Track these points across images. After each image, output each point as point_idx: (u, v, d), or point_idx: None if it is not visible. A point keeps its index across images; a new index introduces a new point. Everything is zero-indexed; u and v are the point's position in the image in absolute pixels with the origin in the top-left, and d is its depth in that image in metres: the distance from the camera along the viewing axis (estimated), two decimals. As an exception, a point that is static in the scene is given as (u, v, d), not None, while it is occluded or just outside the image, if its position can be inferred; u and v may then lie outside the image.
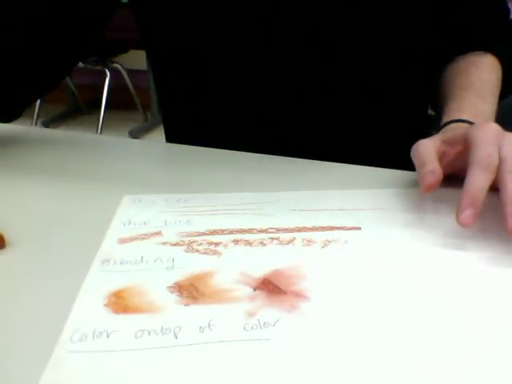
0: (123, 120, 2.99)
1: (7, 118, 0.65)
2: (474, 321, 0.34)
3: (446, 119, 0.58)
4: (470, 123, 0.55)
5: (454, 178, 0.48)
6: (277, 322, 0.33)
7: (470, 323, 0.33)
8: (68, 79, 3.33)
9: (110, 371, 0.30)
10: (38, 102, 3.00)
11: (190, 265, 0.40)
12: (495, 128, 0.46)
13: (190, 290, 0.37)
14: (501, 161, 0.43)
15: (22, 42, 0.59)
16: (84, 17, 0.62)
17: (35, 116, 3.06)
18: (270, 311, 0.34)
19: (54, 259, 0.41)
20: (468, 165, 0.43)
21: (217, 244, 0.42)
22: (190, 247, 0.42)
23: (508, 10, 0.68)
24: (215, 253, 0.41)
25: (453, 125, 0.57)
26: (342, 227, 0.45)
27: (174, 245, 0.42)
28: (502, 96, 0.63)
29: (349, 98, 0.64)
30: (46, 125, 3.17)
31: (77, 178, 0.55)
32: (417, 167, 0.47)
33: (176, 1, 0.62)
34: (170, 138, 0.78)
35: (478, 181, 0.42)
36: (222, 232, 0.44)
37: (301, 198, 0.50)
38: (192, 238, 0.43)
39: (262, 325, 0.33)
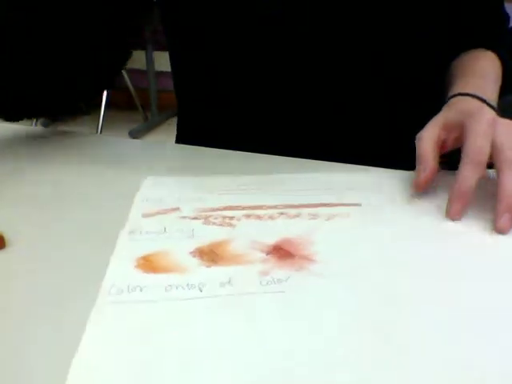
0: (123, 120, 3.02)
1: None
2: (470, 285, 0.38)
3: (450, 94, 0.59)
4: (474, 96, 0.56)
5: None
6: (288, 278, 0.38)
7: (466, 285, 0.38)
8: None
9: (144, 318, 0.34)
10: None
11: (208, 234, 0.44)
12: (489, 118, 0.48)
13: (210, 254, 0.41)
14: (497, 150, 0.46)
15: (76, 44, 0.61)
16: (126, 17, 0.64)
17: (35, 116, 3.08)
18: (281, 270, 0.39)
19: (54, 259, 0.41)
20: (461, 157, 0.47)
21: (231, 218, 0.47)
22: (206, 220, 0.46)
23: (508, 15, 0.70)
24: (230, 225, 0.46)
25: (457, 97, 0.57)
26: (344, 204, 0.49)
27: (193, 218, 0.47)
28: (501, 94, 0.64)
29: (361, 102, 0.66)
30: (46, 125, 3.21)
31: (77, 178, 0.55)
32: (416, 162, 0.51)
33: (196, 4, 0.65)
34: (183, 140, 0.80)
35: (468, 178, 0.46)
36: (234, 208, 0.49)
37: (306, 179, 0.54)
38: (208, 213, 0.48)
39: (275, 281, 0.38)
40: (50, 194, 0.52)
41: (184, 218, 0.47)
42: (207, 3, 0.64)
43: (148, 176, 0.55)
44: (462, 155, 0.47)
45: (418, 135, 0.52)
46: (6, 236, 0.43)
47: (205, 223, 0.46)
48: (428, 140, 0.51)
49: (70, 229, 0.45)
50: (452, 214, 0.46)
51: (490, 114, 0.50)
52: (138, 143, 0.91)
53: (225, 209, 0.48)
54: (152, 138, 2.72)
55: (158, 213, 0.48)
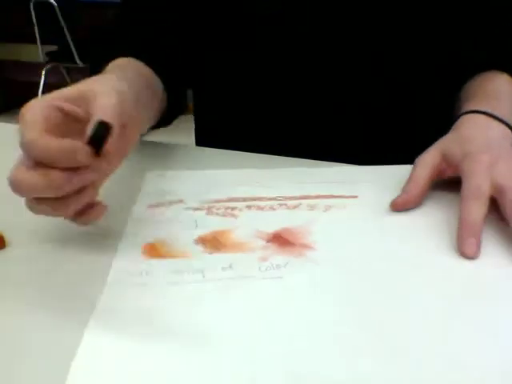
0: None
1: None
2: (465, 274, 0.40)
3: (461, 112, 0.57)
4: (485, 113, 0.54)
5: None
6: (287, 264, 0.40)
7: (461, 275, 0.40)
8: (68, 79, 3.39)
9: (149, 300, 0.36)
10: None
11: (210, 224, 0.46)
12: (487, 158, 0.46)
13: (213, 242, 0.43)
14: (500, 190, 0.44)
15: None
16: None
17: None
18: (280, 257, 0.41)
19: (54, 259, 0.41)
20: (461, 198, 0.45)
21: (233, 209, 0.49)
22: (209, 211, 0.48)
23: None
24: (232, 215, 0.48)
25: (468, 115, 0.55)
26: (341, 196, 0.51)
27: (196, 209, 0.49)
28: None
29: (361, 101, 0.67)
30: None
31: None
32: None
33: (197, 4, 0.67)
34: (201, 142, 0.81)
35: (472, 211, 0.43)
36: (236, 200, 0.51)
37: (304, 173, 0.56)
38: (211, 204, 0.50)
39: (274, 266, 0.40)
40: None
41: (188, 209, 0.49)
42: (208, 3, 0.66)
43: (151, 171, 0.57)
44: (461, 195, 0.45)
45: (418, 158, 0.51)
46: (6, 236, 0.43)
47: (208, 214, 0.48)
48: (424, 166, 0.50)
49: (70, 229, 0.43)
50: (467, 251, 0.41)
51: (487, 155, 0.47)
52: (138, 143, 0.91)
53: (227, 200, 0.50)
54: (152, 138, 2.71)
55: (163, 204, 0.50)
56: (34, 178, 0.36)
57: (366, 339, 0.33)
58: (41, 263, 0.41)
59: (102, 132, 0.37)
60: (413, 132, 0.68)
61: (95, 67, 0.57)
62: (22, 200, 0.48)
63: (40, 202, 0.38)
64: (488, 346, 0.33)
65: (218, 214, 0.48)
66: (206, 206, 0.49)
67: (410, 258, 0.41)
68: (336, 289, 0.38)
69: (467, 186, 0.45)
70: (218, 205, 0.50)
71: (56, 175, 0.36)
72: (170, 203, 0.50)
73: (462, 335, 0.34)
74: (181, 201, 0.51)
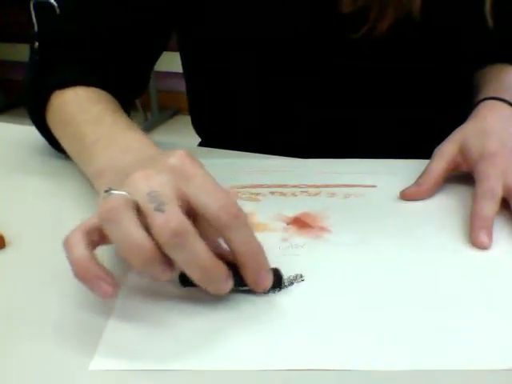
0: None
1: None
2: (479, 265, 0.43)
3: (479, 98, 0.58)
4: (504, 101, 0.56)
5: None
6: (305, 244, 0.43)
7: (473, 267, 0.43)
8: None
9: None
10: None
11: (235, 207, 0.49)
12: (502, 161, 0.49)
13: (237, 223, 0.46)
14: (511, 193, 0.47)
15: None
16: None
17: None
18: (299, 238, 0.44)
19: (54, 259, 0.40)
20: (474, 197, 0.47)
21: (257, 194, 0.52)
22: (235, 195, 0.52)
23: None
24: (256, 200, 0.51)
25: (486, 102, 0.56)
26: (360, 185, 0.54)
27: (222, 194, 0.52)
28: None
29: (381, 107, 0.67)
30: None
31: (77, 177, 0.54)
32: None
33: (211, 11, 0.65)
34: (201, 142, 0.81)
35: (485, 208, 0.45)
36: (260, 186, 0.54)
37: (325, 164, 0.59)
38: (236, 190, 0.53)
39: (293, 246, 0.43)
40: (50, 194, 0.53)
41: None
42: (223, 25, 0.64)
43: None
44: (474, 195, 0.47)
45: (436, 149, 0.53)
46: (6, 236, 0.43)
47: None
48: (440, 159, 0.52)
49: (70, 229, 0.41)
50: (479, 243, 0.43)
51: (501, 158, 0.49)
52: None
53: (252, 186, 0.54)
54: (152, 138, 2.70)
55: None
56: None
57: (371, 318, 0.36)
58: (41, 263, 0.41)
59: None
60: (419, 127, 0.68)
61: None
62: (22, 200, 0.49)
63: None
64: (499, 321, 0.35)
65: (242, 198, 0.51)
66: (231, 191, 0.53)
67: (422, 244, 0.44)
68: (348, 267, 0.41)
69: (481, 188, 0.47)
70: (243, 190, 0.53)
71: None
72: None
73: (471, 314, 0.36)
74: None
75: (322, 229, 0.46)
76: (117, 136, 0.49)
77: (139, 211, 0.34)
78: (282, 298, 0.38)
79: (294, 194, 0.52)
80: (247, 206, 0.49)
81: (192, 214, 0.35)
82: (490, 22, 0.57)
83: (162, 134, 2.64)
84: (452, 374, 0.32)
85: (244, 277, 0.36)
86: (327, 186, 0.54)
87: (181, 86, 0.77)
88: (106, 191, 0.35)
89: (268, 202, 0.50)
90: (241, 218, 0.35)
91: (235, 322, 0.36)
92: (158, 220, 0.33)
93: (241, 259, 0.36)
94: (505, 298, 0.37)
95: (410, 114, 0.67)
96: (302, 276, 0.39)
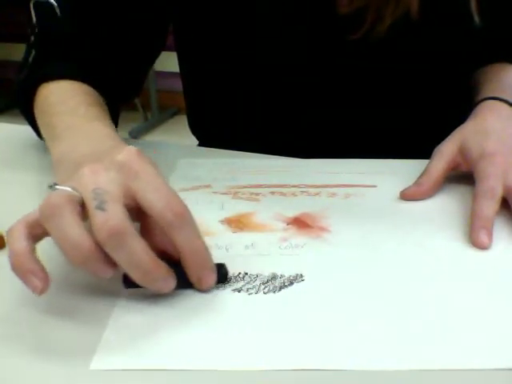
0: (123, 120, 3.01)
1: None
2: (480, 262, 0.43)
3: (479, 98, 0.58)
4: (503, 100, 0.56)
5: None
6: (305, 244, 0.43)
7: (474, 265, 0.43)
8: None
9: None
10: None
11: (235, 207, 0.49)
12: (502, 160, 0.49)
13: (237, 223, 0.47)
14: (511, 193, 0.47)
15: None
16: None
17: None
18: (299, 238, 0.44)
19: (54, 259, 0.40)
20: (474, 197, 0.47)
21: (257, 194, 0.52)
22: (235, 195, 0.52)
23: None
24: (256, 200, 0.51)
25: (486, 102, 0.57)
26: (360, 185, 0.54)
27: (223, 194, 0.52)
28: None
29: (381, 107, 0.66)
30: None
31: None
32: None
33: (210, 12, 0.65)
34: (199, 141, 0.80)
35: (485, 208, 0.45)
36: (261, 186, 0.54)
37: (325, 164, 0.59)
38: (237, 190, 0.53)
39: (293, 246, 0.43)
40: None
41: (215, 193, 0.52)
42: (222, 26, 0.64)
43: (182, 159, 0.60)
44: (475, 194, 0.47)
45: (435, 149, 0.53)
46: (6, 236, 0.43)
47: (233, 198, 0.51)
48: (440, 159, 0.52)
49: None
50: (479, 242, 0.43)
51: (501, 157, 0.49)
52: (138, 143, 0.86)
53: (252, 187, 0.54)
54: (152, 138, 2.69)
55: (192, 188, 0.53)
56: None
57: (371, 318, 0.36)
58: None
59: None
60: (418, 127, 0.68)
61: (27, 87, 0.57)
62: (22, 200, 0.49)
63: None
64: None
65: (242, 198, 0.51)
66: (232, 190, 0.53)
67: (422, 243, 0.44)
68: (347, 267, 0.41)
69: (481, 187, 0.47)
70: (243, 190, 0.53)
71: None
72: (199, 187, 0.53)
73: (471, 311, 0.36)
74: (209, 185, 0.54)
75: (322, 229, 0.46)
76: (82, 126, 0.49)
77: (84, 207, 0.34)
78: (281, 297, 0.38)
79: (294, 194, 0.52)
80: (248, 206, 0.50)
81: (142, 210, 0.36)
82: (477, 19, 0.57)
83: (162, 134, 2.63)
84: (452, 374, 0.32)
85: (187, 275, 0.37)
86: (327, 186, 0.54)
87: (181, 85, 0.77)
88: (51, 186, 0.36)
89: (268, 202, 0.50)
90: (185, 217, 0.36)
91: (235, 322, 0.36)
92: (97, 218, 0.33)
93: (184, 257, 0.36)
94: (505, 298, 0.37)
95: (410, 114, 0.67)
96: (301, 276, 0.39)
